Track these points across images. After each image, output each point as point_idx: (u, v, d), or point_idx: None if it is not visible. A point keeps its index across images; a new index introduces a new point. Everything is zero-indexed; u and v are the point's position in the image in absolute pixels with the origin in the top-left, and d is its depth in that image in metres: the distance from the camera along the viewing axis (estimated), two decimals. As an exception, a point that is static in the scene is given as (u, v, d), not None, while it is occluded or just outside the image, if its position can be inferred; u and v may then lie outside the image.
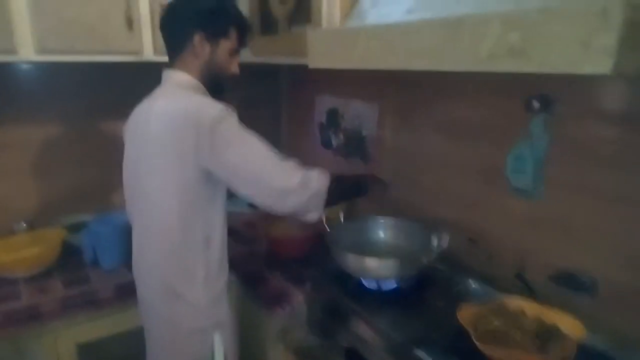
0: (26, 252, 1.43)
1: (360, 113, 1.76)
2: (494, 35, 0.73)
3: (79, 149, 1.78)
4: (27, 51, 1.31)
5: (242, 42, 1.20)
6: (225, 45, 1.16)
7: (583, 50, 0.62)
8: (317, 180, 1.13)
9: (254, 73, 2.00)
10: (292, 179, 1.09)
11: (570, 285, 1.14)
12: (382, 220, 1.43)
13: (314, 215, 1.15)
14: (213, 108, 1.05)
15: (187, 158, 1.04)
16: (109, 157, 1.76)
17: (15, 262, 1.41)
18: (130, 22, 1.41)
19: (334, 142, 1.93)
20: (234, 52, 1.19)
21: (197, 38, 1.12)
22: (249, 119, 2.08)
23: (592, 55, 0.61)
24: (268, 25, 1.55)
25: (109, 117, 1.79)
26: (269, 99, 2.21)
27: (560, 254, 1.16)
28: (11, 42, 1.28)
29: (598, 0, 0.66)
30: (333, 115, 1.91)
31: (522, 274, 1.24)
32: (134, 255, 1.25)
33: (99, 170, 1.81)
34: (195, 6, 1.12)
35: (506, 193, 1.25)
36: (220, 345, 1.18)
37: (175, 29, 1.15)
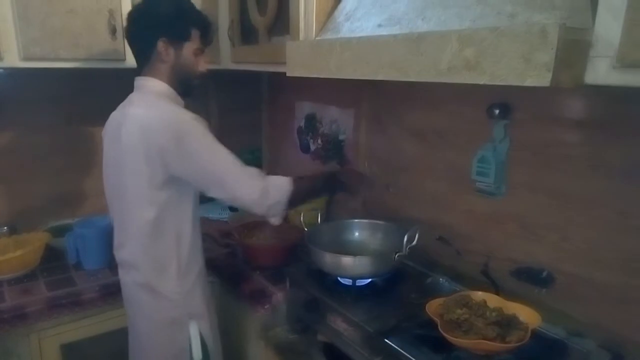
0: (10, 254, 1.45)
1: (337, 118, 1.84)
2: (452, 51, 0.81)
3: (60, 155, 1.81)
4: (12, 58, 1.35)
5: (205, 41, 1.26)
6: (189, 47, 1.21)
7: (526, 65, 0.71)
8: (278, 191, 1.21)
9: (236, 79, 2.07)
10: (253, 192, 1.18)
11: (529, 279, 1.23)
12: (357, 221, 1.50)
13: (275, 220, 1.25)
14: (182, 117, 1.13)
15: (155, 163, 1.12)
16: (90, 162, 1.81)
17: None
18: (113, 31, 1.46)
19: (312, 147, 2.00)
20: (199, 52, 1.24)
21: (160, 44, 1.17)
22: (230, 124, 2.17)
23: (534, 70, 0.70)
24: (248, 35, 1.61)
25: (89, 124, 1.82)
26: (250, 105, 2.27)
27: (521, 250, 1.25)
28: (-4, 49, 1.32)
29: (539, 22, 0.75)
30: (311, 121, 1.98)
31: (487, 269, 1.33)
32: (115, 248, 1.30)
33: (80, 176, 1.84)
34: (154, 13, 1.17)
35: (472, 193, 1.34)
36: (197, 334, 1.26)
37: (138, 37, 1.21)
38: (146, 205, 1.16)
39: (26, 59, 1.36)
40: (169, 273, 1.22)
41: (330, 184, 1.41)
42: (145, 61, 1.21)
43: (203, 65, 1.26)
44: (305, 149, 2.05)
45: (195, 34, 1.21)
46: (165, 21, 1.17)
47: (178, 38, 1.19)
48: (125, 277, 1.28)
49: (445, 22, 0.95)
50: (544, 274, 1.21)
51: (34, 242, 1.54)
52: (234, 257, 1.68)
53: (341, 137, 1.83)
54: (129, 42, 1.24)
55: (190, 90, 1.27)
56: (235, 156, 1.18)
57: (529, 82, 0.71)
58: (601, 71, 0.71)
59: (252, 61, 1.59)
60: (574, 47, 0.70)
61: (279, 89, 2.20)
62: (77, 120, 1.82)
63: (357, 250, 1.41)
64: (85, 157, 1.82)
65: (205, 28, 1.25)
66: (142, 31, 1.19)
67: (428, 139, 1.47)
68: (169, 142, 1.10)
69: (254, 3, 1.54)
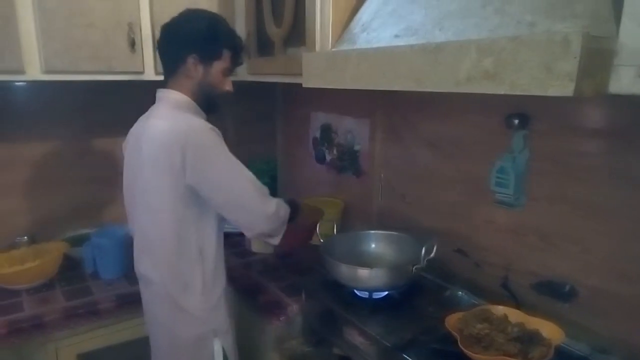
0: (28, 264, 1.47)
1: (352, 128, 1.83)
2: (471, 61, 0.80)
3: (79, 165, 1.84)
4: (34, 71, 1.38)
5: (235, 62, 1.26)
6: (218, 66, 1.21)
7: (548, 74, 0.69)
8: (284, 211, 1.23)
9: (250, 90, 2.08)
10: (270, 207, 1.18)
11: (551, 293, 1.20)
12: (373, 232, 1.49)
13: (276, 240, 1.25)
14: (200, 129, 1.12)
15: (176, 176, 1.11)
16: (108, 172, 1.83)
17: (18, 273, 1.45)
18: (132, 44, 1.48)
19: (328, 157, 2.00)
20: (227, 72, 1.24)
21: (190, 60, 1.17)
22: (245, 135, 2.18)
23: (556, 80, 0.68)
24: (264, 46, 1.62)
25: (108, 135, 1.85)
26: (265, 115, 2.28)
27: (542, 263, 1.22)
28: (20, 62, 1.35)
29: (560, 30, 0.74)
30: (326, 131, 1.98)
31: (507, 282, 1.30)
32: (136, 263, 1.28)
33: (99, 186, 1.86)
34: (188, 30, 1.18)
35: (491, 205, 1.31)
36: (221, 351, 1.23)
37: (169, 51, 1.21)
38: (169, 220, 1.15)
39: (48, 72, 1.39)
40: (194, 289, 1.20)
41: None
42: (172, 74, 1.21)
43: (229, 85, 1.26)
44: (320, 159, 2.04)
45: (226, 54, 1.22)
46: (198, 39, 1.17)
47: (208, 57, 1.19)
48: (147, 293, 1.26)
49: (463, 33, 0.94)
50: (567, 288, 1.17)
51: (52, 252, 1.55)
52: (250, 268, 1.67)
53: (356, 147, 1.83)
54: (160, 53, 1.25)
55: (214, 107, 1.27)
56: (251, 173, 1.18)
57: (551, 92, 0.69)
58: (626, 80, 0.69)
59: (268, 72, 1.60)
60: (597, 56, 0.68)
61: (294, 99, 2.21)
62: (96, 132, 1.84)
63: (374, 262, 1.40)
64: (104, 168, 1.85)
65: (237, 50, 1.25)
66: (174, 46, 1.19)
67: (444, 148, 1.46)
68: (187, 152, 1.09)
69: (270, 15, 1.55)
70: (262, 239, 1.27)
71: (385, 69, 0.99)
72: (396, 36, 1.10)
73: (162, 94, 1.22)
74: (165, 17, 1.19)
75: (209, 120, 1.21)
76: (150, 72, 1.54)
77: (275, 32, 1.53)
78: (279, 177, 2.34)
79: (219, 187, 1.14)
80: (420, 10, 1.07)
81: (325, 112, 1.97)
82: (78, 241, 1.73)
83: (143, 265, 1.25)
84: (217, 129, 1.16)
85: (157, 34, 1.49)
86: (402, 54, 0.95)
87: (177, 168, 1.10)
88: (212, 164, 1.12)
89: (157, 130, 1.14)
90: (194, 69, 1.19)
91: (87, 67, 1.44)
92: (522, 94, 0.74)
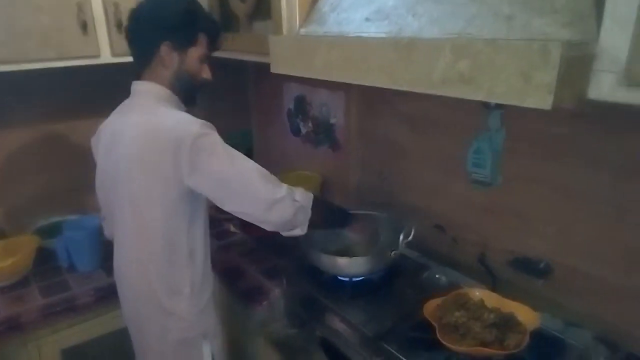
0: (0, 262, 1.42)
1: (327, 101, 1.77)
2: (445, 61, 0.75)
3: (46, 152, 1.75)
4: (-22, 62, 1.27)
5: (213, 46, 1.17)
6: (195, 52, 1.12)
7: (525, 84, 0.66)
8: (302, 196, 1.13)
9: (220, 62, 1.97)
10: (279, 190, 1.08)
11: (527, 270, 1.23)
12: (351, 213, 1.47)
13: (299, 231, 1.15)
14: (192, 125, 1.03)
15: (169, 177, 1.04)
16: (76, 159, 1.75)
17: (-10, 274, 1.41)
18: (84, 26, 1.36)
19: (303, 129, 1.95)
20: (205, 58, 1.15)
21: (164, 48, 1.08)
22: (218, 108, 2.09)
23: (534, 90, 0.65)
24: (229, 21, 1.52)
25: (73, 119, 1.74)
26: (237, 88, 2.19)
27: (518, 240, 1.24)
28: (-38, 55, 1.24)
29: (539, 37, 0.69)
30: (300, 103, 1.92)
31: (483, 259, 1.32)
32: (116, 266, 1.24)
33: (67, 173, 1.78)
34: (160, 15, 1.07)
35: (467, 183, 1.31)
36: (209, 355, 1.22)
37: (140, 39, 1.11)
38: (159, 226, 1.09)
39: (-6, 62, 1.28)
40: (183, 293, 1.15)
41: (340, 221, 1.30)
42: (146, 65, 1.11)
43: (207, 72, 1.16)
44: (295, 131, 1.99)
45: (202, 38, 1.12)
46: (171, 24, 1.07)
47: (184, 43, 1.10)
48: (130, 294, 1.20)
49: (437, 20, 0.88)
50: (542, 265, 1.20)
51: (24, 248, 1.51)
52: (229, 250, 1.66)
53: (332, 120, 1.78)
54: (129, 42, 1.13)
55: (194, 98, 1.18)
56: (253, 161, 1.09)
57: (528, 103, 0.66)
58: (606, 87, 0.66)
59: (234, 49, 1.51)
60: (577, 64, 0.64)
61: (266, 70, 2.09)
62: (59, 117, 1.74)
63: (353, 245, 1.39)
64: (66, 153, 1.76)
65: (214, 33, 1.15)
66: (144, 33, 1.09)
67: (422, 126, 1.43)
68: (181, 151, 1.00)
69: (233, -12, 1.44)
70: (286, 232, 1.15)
71: (356, 60, 0.94)
72: (367, 19, 1.03)
73: (138, 86, 1.13)
74: None
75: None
76: (107, 54, 1.43)
77: (239, 6, 1.43)
78: (254, 150, 2.29)
79: (222, 182, 1.05)
80: (392, -9, 1.00)
81: (298, 83, 1.90)
82: (50, 231, 1.68)
83: (126, 268, 1.19)
84: (208, 122, 1.07)
85: (110, 12, 1.40)
86: (373, 46, 0.89)
87: (170, 171, 1.03)
88: (211, 159, 1.03)
89: (140, 130, 1.06)
90: (168, 57, 1.09)
91: (38, 54, 1.33)
92: (498, 102, 0.70)
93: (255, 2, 1.36)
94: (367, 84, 0.92)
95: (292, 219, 1.12)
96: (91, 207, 1.78)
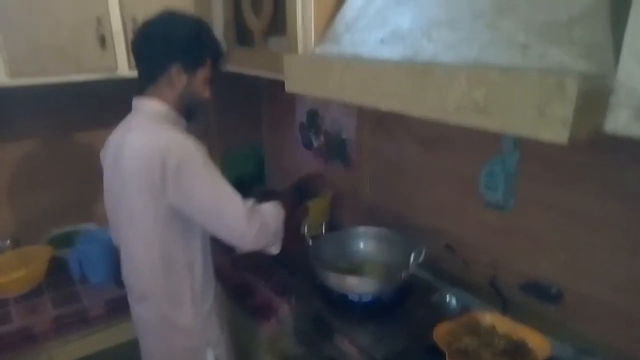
0: (14, 273, 1.44)
1: (339, 117, 1.78)
2: (460, 89, 0.75)
3: (58, 163, 1.77)
4: (-1, 75, 1.29)
5: (216, 68, 1.19)
6: (202, 74, 1.15)
7: (540, 117, 0.65)
8: (274, 220, 1.16)
9: (233, 75, 1.99)
10: (252, 227, 1.10)
11: (538, 295, 1.21)
12: (362, 230, 1.47)
13: (274, 249, 1.20)
14: (181, 146, 1.06)
15: (158, 196, 1.07)
16: (88, 170, 1.76)
17: (5, 284, 1.43)
18: (102, 40, 1.39)
19: (315, 143, 1.95)
20: (208, 79, 1.18)
21: (174, 70, 1.10)
22: (229, 121, 2.11)
23: (549, 124, 0.64)
24: (243, 36, 1.54)
25: (85, 131, 1.77)
26: (249, 101, 2.20)
27: (530, 264, 1.22)
28: (-18, 68, 1.26)
29: (556, 67, 0.69)
30: (313, 117, 1.92)
31: (494, 281, 1.30)
32: (123, 276, 1.27)
33: (79, 183, 1.81)
34: (173, 36, 1.09)
35: (479, 204, 1.30)
36: None
37: (150, 58, 1.12)
38: (155, 239, 1.11)
39: (13, 76, 1.31)
40: (184, 304, 1.18)
41: (298, 197, 1.35)
42: (151, 82, 1.13)
43: (207, 92, 1.19)
44: (307, 145, 1.99)
45: (209, 61, 1.15)
46: (184, 46, 1.09)
47: (193, 65, 1.12)
48: (137, 307, 1.24)
49: (453, 46, 0.88)
50: (553, 290, 1.18)
51: (38, 258, 1.53)
52: (238, 265, 1.67)
53: (344, 136, 1.78)
54: (136, 59, 1.15)
55: (194, 114, 1.21)
56: (234, 190, 1.12)
57: (543, 137, 0.65)
58: (622, 121, 0.65)
59: (248, 65, 1.52)
60: (593, 97, 0.64)
61: (278, 83, 2.12)
62: (73, 129, 1.77)
63: (363, 262, 1.39)
64: (82, 164, 1.77)
65: (219, 57, 1.19)
66: (156, 52, 1.10)
67: (434, 146, 1.42)
68: (168, 170, 1.04)
69: (249, 4, 1.46)
70: (261, 250, 1.20)
71: (370, 85, 0.94)
72: (382, 41, 1.03)
73: (139, 103, 1.15)
74: (136, 9, 1.09)
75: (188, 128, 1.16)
76: (124, 68, 1.46)
77: (254, 22, 1.44)
78: (266, 163, 2.30)
79: (201, 207, 1.09)
80: (407, 14, 1.00)
81: (311, 97, 1.90)
82: (63, 240, 1.71)
83: (131, 279, 1.23)
84: (198, 142, 1.09)
85: (129, 27, 1.42)
86: (388, 71, 0.89)
87: (158, 187, 1.06)
88: (194, 183, 1.06)
89: (136, 147, 1.08)
90: (177, 78, 1.11)
91: (56, 68, 1.35)
92: (513, 133, 0.70)
93: (270, 19, 1.38)
94: (380, 108, 0.92)
95: (264, 245, 1.16)
96: (103, 217, 1.80)
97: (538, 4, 0.77)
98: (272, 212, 1.17)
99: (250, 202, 1.13)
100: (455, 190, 1.38)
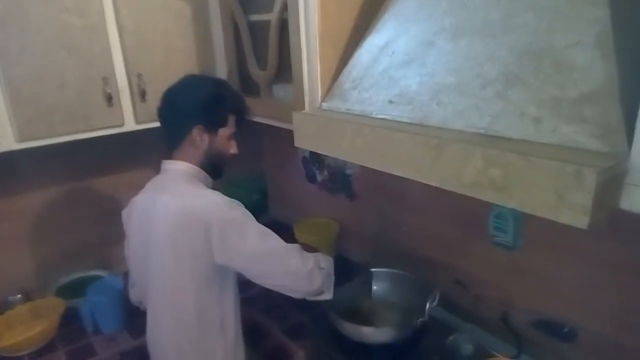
0: (28, 331, 1.44)
1: (343, 153, 1.79)
2: (476, 167, 0.78)
3: (69, 211, 1.77)
4: (8, 141, 1.30)
5: (241, 125, 1.21)
6: (225, 132, 1.17)
7: (559, 201, 0.68)
8: (325, 262, 1.19)
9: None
10: (308, 262, 1.14)
11: (551, 333, 1.24)
12: (374, 272, 1.49)
13: (327, 295, 1.20)
14: (220, 206, 1.09)
15: (198, 254, 1.08)
16: (99, 216, 1.77)
17: (19, 343, 1.42)
18: (109, 98, 1.40)
19: (319, 177, 1.97)
20: (233, 136, 1.20)
21: (196, 131, 1.13)
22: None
23: (568, 209, 0.67)
24: (248, 86, 1.55)
25: (94, 178, 1.77)
26: (251, 133, 2.20)
27: (542, 302, 1.25)
28: (-9, 134, 1.27)
29: (569, 148, 0.71)
30: (316, 152, 1.94)
31: (507, 318, 1.33)
32: (149, 335, 1.26)
33: (86, 228, 1.80)
34: (191, 100, 1.12)
35: (488, 242, 1.32)
36: None
37: (172, 123, 1.16)
38: (190, 300, 1.12)
39: (23, 140, 1.31)
40: None
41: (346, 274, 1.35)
42: (176, 144, 1.16)
43: (234, 148, 1.22)
44: (311, 178, 2.01)
45: (231, 119, 1.18)
46: (202, 108, 1.12)
47: (214, 125, 1.15)
48: None
49: (462, 113, 0.91)
50: (566, 329, 1.21)
51: (51, 313, 1.52)
52: (251, 304, 1.67)
53: (348, 172, 1.80)
54: (162, 123, 1.18)
55: (221, 172, 1.23)
56: (279, 238, 1.14)
57: (563, 220, 0.68)
58: (638, 200, 0.68)
59: (255, 113, 1.53)
60: (610, 184, 0.66)
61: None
62: (83, 176, 1.76)
63: (377, 308, 1.41)
64: (94, 211, 1.78)
65: (242, 112, 1.21)
66: (177, 116, 1.14)
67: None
68: (211, 232, 1.06)
69: (252, 55, 1.47)
70: (313, 297, 1.21)
71: (383, 151, 0.96)
72: (390, 102, 1.06)
73: (169, 165, 1.17)
74: (141, 65, 1.11)
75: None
76: (131, 123, 1.47)
77: (259, 74, 1.46)
78: (269, 195, 2.31)
79: (254, 259, 1.11)
80: (414, 76, 1.03)
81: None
82: (71, 288, 1.70)
83: (160, 337, 1.21)
84: (235, 201, 1.13)
85: (134, 83, 1.43)
86: (402, 141, 0.91)
87: (201, 250, 1.07)
88: (242, 238, 1.08)
89: (172, 210, 1.10)
90: (199, 139, 1.14)
91: (65, 129, 1.36)
92: (532, 213, 0.72)
93: (275, 71, 1.39)
94: (394, 174, 0.94)
95: (320, 286, 1.18)
96: (110, 263, 1.80)
97: (547, 79, 0.80)
98: (319, 255, 1.20)
99: (297, 245, 1.16)
100: (463, 227, 1.41)
